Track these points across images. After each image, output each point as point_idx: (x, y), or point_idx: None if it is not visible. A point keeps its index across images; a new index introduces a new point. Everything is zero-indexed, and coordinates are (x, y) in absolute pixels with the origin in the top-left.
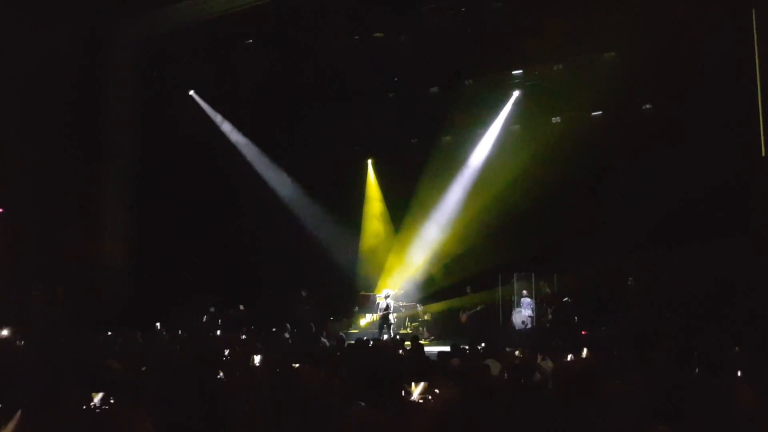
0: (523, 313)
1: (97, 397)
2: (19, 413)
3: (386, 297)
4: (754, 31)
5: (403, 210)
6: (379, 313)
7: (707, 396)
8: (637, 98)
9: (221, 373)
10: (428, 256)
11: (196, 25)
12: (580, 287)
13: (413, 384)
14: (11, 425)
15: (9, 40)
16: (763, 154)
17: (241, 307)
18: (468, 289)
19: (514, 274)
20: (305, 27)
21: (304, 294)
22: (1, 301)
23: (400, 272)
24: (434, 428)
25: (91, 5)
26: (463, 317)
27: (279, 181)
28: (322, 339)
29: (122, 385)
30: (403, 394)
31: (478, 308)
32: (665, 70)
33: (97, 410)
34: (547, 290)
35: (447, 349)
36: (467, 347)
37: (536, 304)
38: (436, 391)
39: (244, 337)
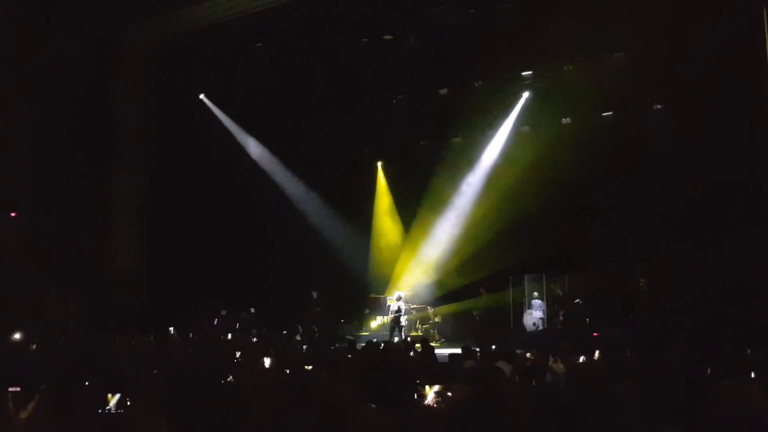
0: (535, 314)
1: (113, 400)
2: (37, 396)
3: (398, 299)
4: (766, 29)
5: (414, 212)
6: (390, 316)
7: (720, 397)
8: (648, 98)
9: (232, 377)
10: (439, 258)
11: (206, 29)
12: (591, 288)
13: (427, 387)
14: (30, 408)
15: (20, 47)
16: None
17: (252, 310)
18: (481, 290)
19: (525, 276)
20: (314, 30)
21: (314, 296)
22: (16, 304)
23: (411, 274)
24: (446, 431)
25: (102, 11)
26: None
27: (289, 183)
28: (333, 341)
29: (136, 387)
30: (415, 396)
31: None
32: (675, 69)
33: (113, 412)
34: (559, 292)
35: (458, 351)
36: (478, 349)
37: (547, 305)
38: (448, 393)
39: (255, 340)
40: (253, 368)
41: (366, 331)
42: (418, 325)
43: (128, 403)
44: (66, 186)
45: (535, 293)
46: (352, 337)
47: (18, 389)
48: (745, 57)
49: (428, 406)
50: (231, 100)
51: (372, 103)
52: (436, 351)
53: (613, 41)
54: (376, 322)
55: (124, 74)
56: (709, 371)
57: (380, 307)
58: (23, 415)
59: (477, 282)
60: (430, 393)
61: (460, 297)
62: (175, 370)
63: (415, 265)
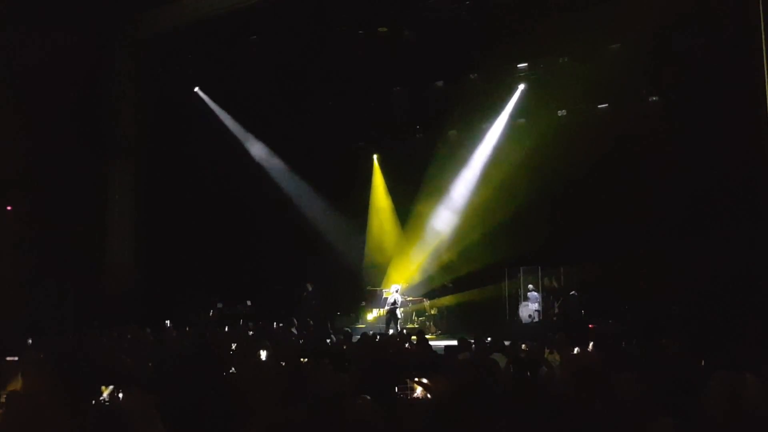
0: (531, 306)
1: (107, 392)
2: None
3: (395, 292)
4: (761, 21)
5: (409, 205)
6: (387, 308)
7: (714, 388)
8: (643, 90)
9: (231, 369)
10: (434, 251)
11: (200, 21)
12: (587, 280)
13: (417, 380)
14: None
15: (15, 40)
16: None
17: (249, 302)
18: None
19: (521, 268)
20: (310, 22)
21: (310, 289)
22: (11, 298)
23: (407, 267)
24: (439, 422)
25: (97, 3)
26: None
27: (285, 176)
28: (329, 334)
29: (132, 379)
30: (407, 389)
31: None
32: (671, 61)
33: (107, 404)
34: (554, 284)
35: (454, 343)
36: (474, 341)
37: (543, 297)
38: (441, 385)
39: (251, 332)
40: (250, 361)
41: (362, 324)
42: (414, 318)
43: (121, 397)
44: (61, 179)
45: (530, 286)
46: (348, 330)
47: (15, 359)
48: (740, 48)
49: (420, 397)
50: (226, 93)
51: (368, 96)
52: (432, 343)
53: (609, 33)
54: (372, 315)
55: (118, 67)
56: (703, 363)
57: (376, 300)
58: (9, 389)
59: (472, 274)
60: (419, 388)
61: (457, 289)
62: (172, 363)
63: (410, 258)
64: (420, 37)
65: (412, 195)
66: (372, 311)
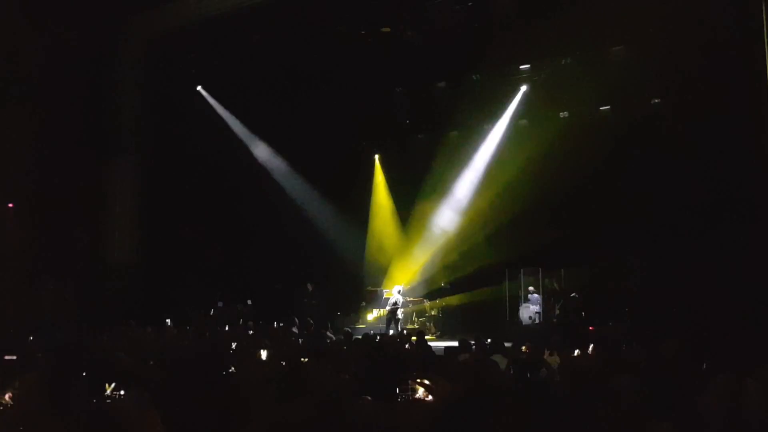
0: (531, 308)
1: (108, 389)
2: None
3: (398, 293)
4: (764, 24)
5: (410, 205)
6: (387, 308)
7: (714, 392)
8: (646, 92)
9: (231, 368)
10: (435, 252)
11: (203, 20)
12: (587, 282)
13: (418, 381)
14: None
15: (19, 39)
16: None
17: (249, 302)
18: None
19: (522, 270)
20: (312, 22)
21: (310, 289)
22: (12, 295)
23: (408, 267)
24: (439, 423)
25: (100, 1)
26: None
27: (287, 176)
28: (328, 334)
29: (131, 377)
30: (408, 390)
31: None
32: (674, 63)
33: (107, 401)
34: (555, 285)
35: (454, 344)
36: (474, 342)
37: (543, 299)
38: (442, 386)
39: (251, 332)
40: (250, 360)
41: (362, 324)
42: (414, 318)
43: (122, 395)
44: (63, 177)
45: (531, 288)
46: (349, 330)
47: (14, 357)
48: (743, 50)
49: (421, 398)
50: (228, 93)
51: (370, 96)
52: (432, 344)
53: (612, 34)
54: (373, 315)
55: (122, 65)
56: (704, 366)
57: (377, 300)
58: (7, 395)
59: (473, 275)
60: (420, 389)
61: (457, 290)
62: (172, 361)
63: (411, 259)
64: (422, 37)
65: (414, 195)
66: (372, 311)
